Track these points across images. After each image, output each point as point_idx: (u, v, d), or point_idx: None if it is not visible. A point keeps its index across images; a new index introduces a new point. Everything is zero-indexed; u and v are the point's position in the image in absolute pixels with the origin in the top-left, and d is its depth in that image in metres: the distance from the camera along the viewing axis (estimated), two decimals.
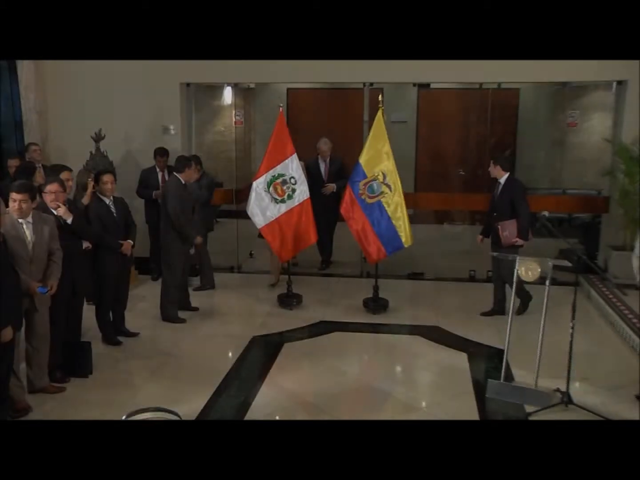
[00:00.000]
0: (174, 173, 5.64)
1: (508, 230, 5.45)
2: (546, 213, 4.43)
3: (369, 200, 5.76)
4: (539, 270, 4.24)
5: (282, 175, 5.85)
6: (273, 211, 5.85)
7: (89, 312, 5.13)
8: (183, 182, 5.58)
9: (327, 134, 7.29)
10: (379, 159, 5.73)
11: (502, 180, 5.55)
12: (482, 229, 5.91)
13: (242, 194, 7.20)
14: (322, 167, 7.11)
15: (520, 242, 5.43)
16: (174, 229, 5.51)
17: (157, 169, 6.77)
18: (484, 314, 5.84)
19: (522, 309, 5.70)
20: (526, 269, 4.28)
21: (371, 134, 5.76)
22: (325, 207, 6.83)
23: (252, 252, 7.44)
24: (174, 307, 5.73)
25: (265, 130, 8.03)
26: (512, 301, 4.50)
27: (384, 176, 5.73)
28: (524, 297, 5.73)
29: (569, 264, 4.22)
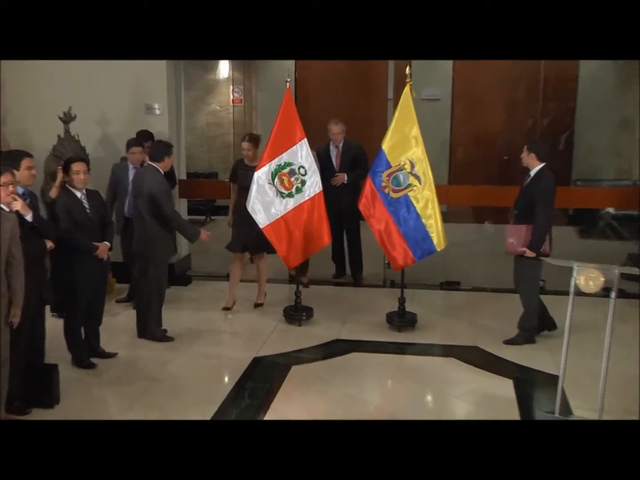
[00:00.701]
0: (150, 162, 5.60)
1: (515, 236, 5.40)
2: (611, 210, 4.42)
3: (393, 195, 5.77)
4: (602, 279, 4.20)
5: (290, 164, 5.87)
6: (279, 207, 5.88)
7: (55, 327, 5.16)
8: (162, 172, 5.59)
9: (343, 115, 7.30)
10: (406, 145, 5.73)
11: (534, 172, 5.48)
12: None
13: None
14: (334, 153, 7.05)
15: (529, 253, 5.37)
16: (164, 229, 5.53)
17: (130, 165, 6.40)
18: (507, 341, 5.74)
19: (524, 336, 5.62)
20: (586, 278, 4.24)
21: (396, 114, 5.77)
22: (341, 205, 6.81)
23: (253, 257, 7.45)
24: (158, 323, 5.76)
25: (269, 110, 8.05)
26: (568, 315, 4.46)
27: (412, 165, 5.73)
28: (546, 323, 5.67)
29: None
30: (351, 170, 6.92)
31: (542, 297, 5.77)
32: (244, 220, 6.00)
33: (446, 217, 5.96)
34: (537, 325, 5.69)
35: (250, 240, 6.15)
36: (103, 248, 5.10)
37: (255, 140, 6.23)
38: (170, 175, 6.48)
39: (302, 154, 5.88)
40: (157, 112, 7.20)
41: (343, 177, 6.94)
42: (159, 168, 5.54)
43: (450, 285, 7.23)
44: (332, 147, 7.05)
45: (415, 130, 5.70)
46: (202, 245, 6.37)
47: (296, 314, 6.16)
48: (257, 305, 6.53)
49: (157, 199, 5.44)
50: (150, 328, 5.72)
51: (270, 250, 6.10)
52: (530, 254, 5.36)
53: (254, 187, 5.83)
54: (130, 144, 6.39)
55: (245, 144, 6.26)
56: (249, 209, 5.83)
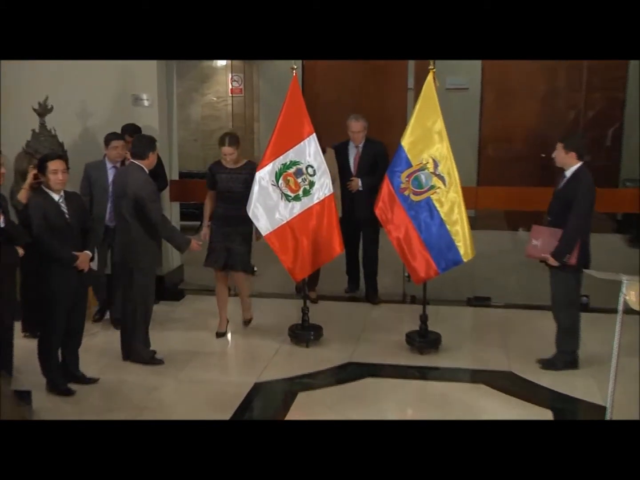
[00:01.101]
0: (133, 160, 5.57)
1: (540, 240, 5.37)
2: None
3: (414, 198, 5.76)
4: None
5: (297, 163, 5.86)
6: (283, 212, 5.86)
7: (28, 348, 5.11)
8: (147, 171, 5.55)
9: (356, 107, 7.28)
10: (429, 141, 5.72)
11: (570, 171, 5.39)
12: None
13: None
14: (352, 154, 6.92)
15: (551, 261, 5.32)
16: (150, 235, 5.48)
17: (109, 164, 6.37)
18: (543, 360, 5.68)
19: (564, 359, 5.54)
20: (637, 294, 4.18)
21: (418, 106, 5.76)
22: (358, 212, 6.78)
23: (255, 268, 7.41)
24: (145, 343, 5.71)
25: (273, 101, 8.04)
26: (616, 337, 4.37)
27: (436, 164, 5.71)
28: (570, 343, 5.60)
29: None
30: (370, 173, 6.80)
31: (585, 315, 5.72)
32: (225, 232, 6.01)
33: (474, 223, 5.99)
34: (578, 346, 5.59)
35: (232, 256, 6.06)
36: (83, 258, 5.07)
37: (236, 141, 6.07)
38: (159, 174, 6.44)
39: (310, 152, 5.86)
40: (146, 103, 7.20)
41: (357, 183, 6.85)
42: (143, 166, 5.49)
43: (480, 301, 7.21)
44: (350, 147, 6.94)
45: (439, 125, 5.68)
46: (197, 255, 6.33)
47: (303, 333, 6.15)
48: (247, 322, 6.52)
49: (143, 201, 5.39)
50: (136, 349, 5.68)
51: (250, 270, 6.34)
52: (553, 262, 5.34)
53: (255, 189, 5.82)
54: (109, 138, 6.34)
55: (227, 149, 5.98)
56: (250, 214, 5.81)
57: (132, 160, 5.58)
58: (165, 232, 5.57)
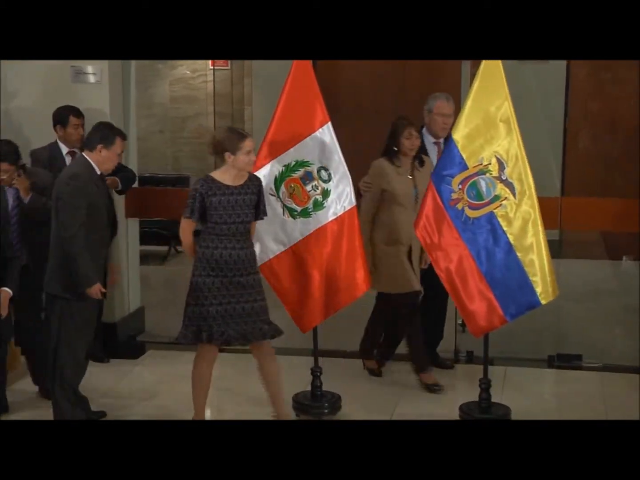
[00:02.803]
0: (83, 153, 5.75)
1: None
2: None
3: (471, 213, 5.81)
4: None
5: (305, 164, 5.93)
6: (286, 233, 5.96)
7: None
8: (98, 170, 5.66)
9: (388, 85, 7.25)
10: (492, 133, 5.77)
11: None
12: None
13: None
14: (433, 152, 6.78)
15: None
16: (91, 245, 5.57)
17: (62, 146, 6.87)
18: None
19: None
20: None
21: (476, 84, 5.80)
22: None
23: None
24: (68, 396, 5.77)
25: (272, 77, 8.09)
26: None
27: (501, 165, 5.76)
28: None
29: None
30: None
31: None
32: (229, 285, 5.69)
33: (558, 250, 5.97)
34: None
35: (247, 322, 5.72)
36: (3, 297, 5.19)
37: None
38: (125, 179, 6.66)
39: (324, 148, 5.94)
40: (92, 79, 7.31)
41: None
42: (92, 162, 5.65)
43: (567, 361, 7.20)
44: (428, 142, 6.83)
45: (507, 110, 5.74)
46: (165, 293, 6.40)
47: (315, 404, 6.20)
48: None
49: (57, 202, 5.56)
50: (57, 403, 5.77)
51: (278, 331, 5.84)
52: None
53: None
54: (66, 113, 6.81)
55: (252, 143, 5.64)
56: None
57: (82, 153, 5.77)
58: (73, 252, 5.54)
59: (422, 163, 6.51)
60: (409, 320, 6.68)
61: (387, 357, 7.11)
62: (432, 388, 6.63)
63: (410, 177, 6.47)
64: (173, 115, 9.03)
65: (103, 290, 5.62)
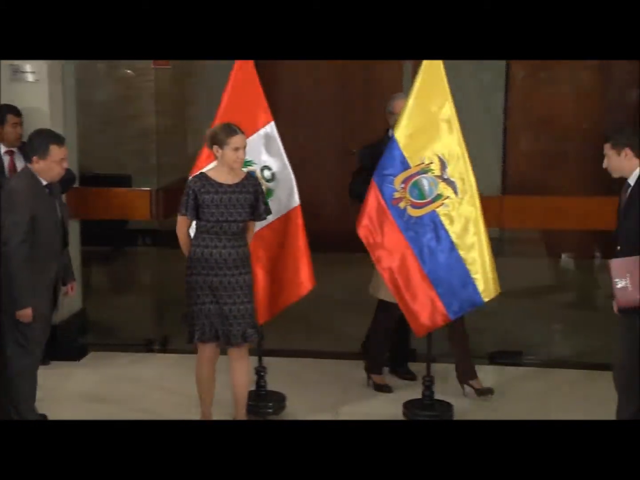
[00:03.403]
0: (28, 164, 5.66)
1: (630, 277, 5.07)
2: None
3: (413, 212, 5.84)
4: None
5: (248, 163, 5.91)
6: None
7: None
8: (43, 181, 5.57)
9: (334, 85, 7.25)
10: (434, 133, 5.80)
11: (634, 177, 5.40)
12: None
13: (170, 200, 7.19)
14: None
15: None
16: (39, 258, 5.49)
17: (0, 145, 6.77)
18: None
19: None
20: None
21: (418, 84, 5.82)
22: None
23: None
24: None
25: (216, 76, 8.06)
26: None
27: (443, 165, 5.80)
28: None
29: None
30: None
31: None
32: (217, 285, 5.64)
33: (499, 248, 5.99)
34: None
35: (231, 322, 5.67)
36: None
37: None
38: (63, 180, 6.56)
39: (267, 147, 5.96)
40: (30, 77, 7.22)
41: None
42: (35, 171, 5.52)
43: (507, 358, 7.25)
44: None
45: (448, 109, 5.77)
46: (108, 294, 6.37)
47: (259, 404, 6.19)
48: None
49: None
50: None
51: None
52: None
53: None
54: (4, 111, 6.73)
55: (241, 139, 5.59)
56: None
57: (27, 164, 5.70)
58: (12, 272, 5.41)
59: None
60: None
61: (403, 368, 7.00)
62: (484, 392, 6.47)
63: None
64: (116, 116, 8.95)
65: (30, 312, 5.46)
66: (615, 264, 5.18)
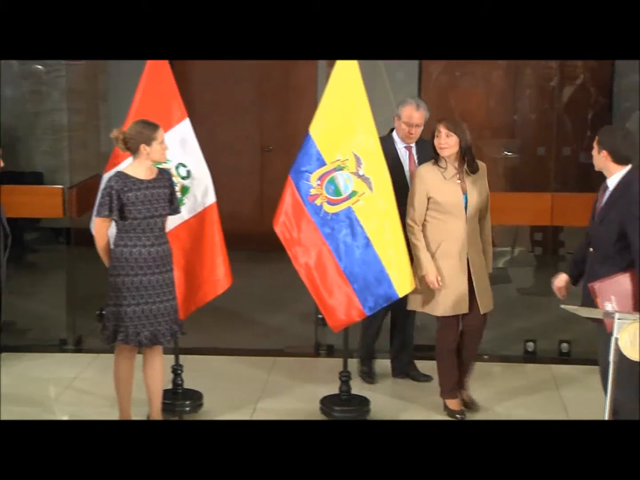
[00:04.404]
0: None
1: (616, 297, 4.95)
2: None
3: (329, 209, 5.85)
4: None
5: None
6: None
7: None
8: None
9: (250, 80, 7.15)
10: (349, 130, 5.81)
11: (613, 181, 5.38)
12: (569, 266, 5.76)
13: (84, 197, 7.09)
14: (405, 157, 6.47)
15: None
16: None
17: None
18: None
19: None
20: (633, 337, 4.33)
21: (331, 81, 5.82)
22: None
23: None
24: None
25: (129, 73, 7.98)
26: (608, 398, 4.54)
27: (358, 162, 5.80)
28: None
29: None
30: None
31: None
32: (143, 282, 5.56)
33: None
34: None
35: (156, 322, 5.63)
36: None
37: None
38: None
39: (182, 144, 5.92)
40: None
41: None
42: None
43: (425, 352, 7.11)
44: (399, 147, 6.47)
45: (363, 107, 5.76)
46: (21, 291, 6.25)
47: (176, 403, 6.16)
48: None
49: None
50: None
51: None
52: None
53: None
54: None
55: (162, 134, 5.58)
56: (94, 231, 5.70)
57: None
58: None
59: (473, 168, 5.94)
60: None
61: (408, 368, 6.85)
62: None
63: (458, 181, 5.92)
64: (25, 113, 8.81)
65: None
66: (598, 287, 5.05)
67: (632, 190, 5.14)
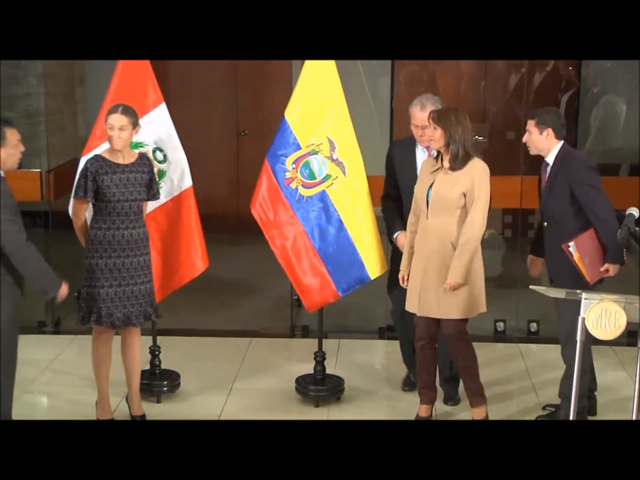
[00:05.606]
0: None
1: (587, 254, 5.20)
2: (635, 212, 4.53)
3: (304, 192, 5.87)
4: (624, 318, 4.33)
5: (139, 145, 5.85)
6: None
7: None
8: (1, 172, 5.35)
9: (225, 63, 7.13)
10: (322, 114, 5.82)
11: (551, 156, 5.54)
12: (531, 246, 5.98)
13: (61, 181, 7.07)
14: (424, 156, 5.95)
15: (613, 271, 5.31)
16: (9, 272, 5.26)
17: None
18: (543, 416, 5.86)
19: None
20: (599, 317, 4.36)
21: (305, 67, 5.84)
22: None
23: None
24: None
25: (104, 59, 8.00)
26: (575, 375, 4.57)
27: (332, 146, 5.83)
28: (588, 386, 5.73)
29: None
30: None
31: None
32: (121, 267, 5.56)
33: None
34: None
35: (133, 304, 5.63)
36: None
37: (132, 114, 5.53)
38: None
39: (159, 129, 5.90)
40: None
41: None
42: None
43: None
44: (418, 149, 5.99)
45: (336, 91, 5.79)
46: None
47: (154, 383, 6.16)
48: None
49: None
50: None
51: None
52: (614, 271, 5.31)
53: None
54: None
55: (118, 118, 5.42)
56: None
57: None
58: (27, 265, 5.22)
59: (453, 164, 5.41)
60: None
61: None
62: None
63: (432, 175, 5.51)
64: (1, 96, 8.73)
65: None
66: (577, 244, 5.18)
67: (575, 157, 5.54)
